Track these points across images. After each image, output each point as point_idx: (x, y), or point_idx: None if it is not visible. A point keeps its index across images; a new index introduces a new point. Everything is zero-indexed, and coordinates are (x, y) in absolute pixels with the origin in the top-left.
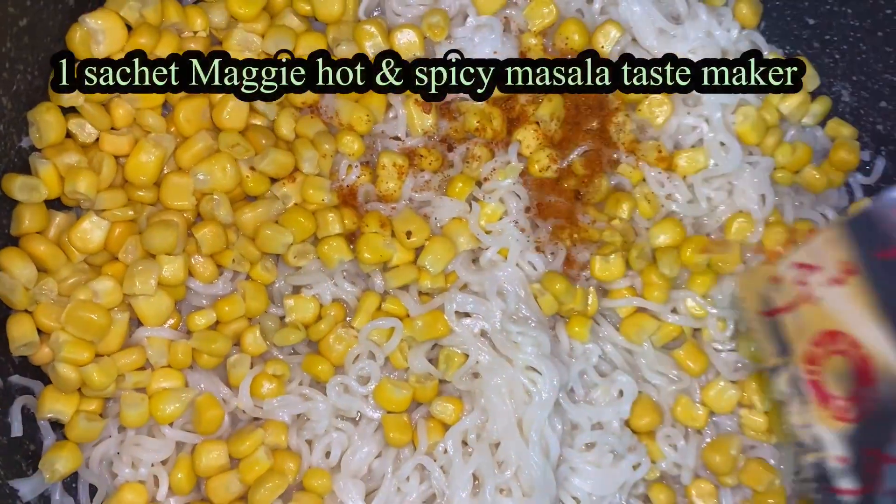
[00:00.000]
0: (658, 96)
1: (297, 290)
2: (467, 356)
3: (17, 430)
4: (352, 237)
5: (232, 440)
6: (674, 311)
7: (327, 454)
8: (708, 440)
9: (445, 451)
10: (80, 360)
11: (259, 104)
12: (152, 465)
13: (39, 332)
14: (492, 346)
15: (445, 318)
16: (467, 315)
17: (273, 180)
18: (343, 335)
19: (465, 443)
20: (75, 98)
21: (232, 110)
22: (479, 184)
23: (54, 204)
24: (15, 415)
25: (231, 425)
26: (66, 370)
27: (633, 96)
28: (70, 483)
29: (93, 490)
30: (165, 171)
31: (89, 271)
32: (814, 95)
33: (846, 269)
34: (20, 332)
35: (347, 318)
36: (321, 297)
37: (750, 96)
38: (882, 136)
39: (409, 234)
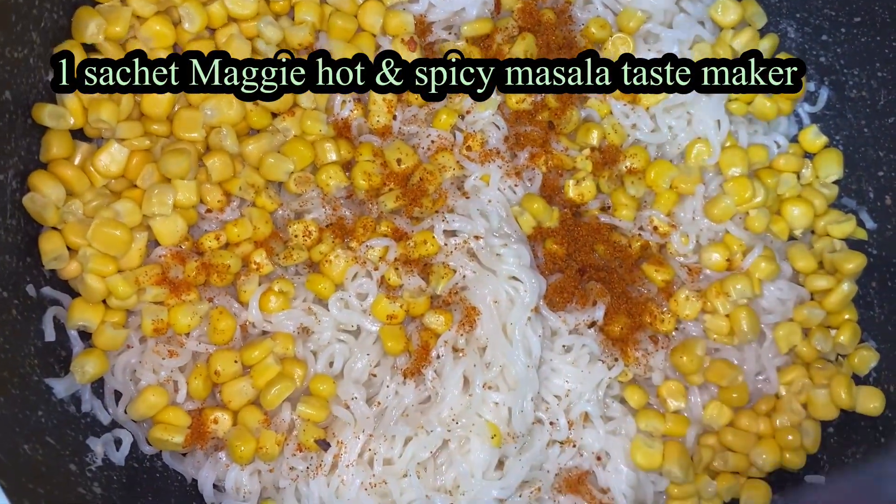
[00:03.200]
0: (621, 35)
1: (299, 216)
2: (455, 271)
3: (49, 334)
4: (347, 166)
5: (243, 350)
6: (641, 228)
7: (331, 364)
8: (675, 345)
9: (438, 356)
10: (105, 272)
11: (260, 45)
12: (171, 371)
13: (68, 249)
14: (477, 260)
15: (434, 237)
16: (453, 234)
17: (274, 115)
18: (342, 255)
19: (455, 349)
20: (95, 36)
21: (236, 50)
22: (461, 117)
23: (78, 136)
24: (48, 322)
25: (242, 339)
26: (93, 280)
27: (599, 37)
28: (97, 389)
29: (117, 396)
30: (177, 108)
31: (110, 195)
32: (762, 33)
33: None
34: (51, 246)
35: (346, 241)
36: (320, 221)
37: (704, 33)
38: (825, 67)
39: (399, 161)
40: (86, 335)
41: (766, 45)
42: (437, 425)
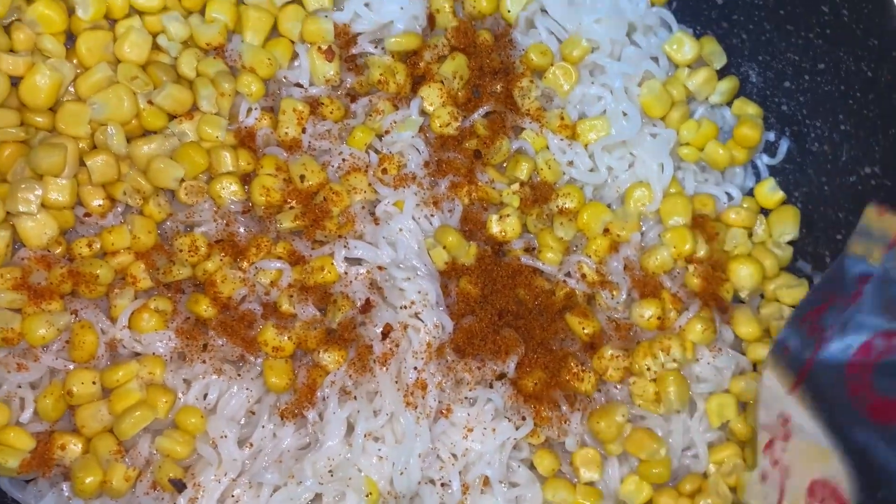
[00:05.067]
0: (564, 64)
1: (189, 229)
2: (354, 303)
3: None
4: (247, 179)
5: (106, 371)
6: (567, 274)
7: (205, 396)
8: (595, 408)
9: (324, 399)
10: None
11: (162, 40)
12: (19, 386)
13: None
14: (380, 293)
15: (333, 265)
16: (357, 262)
17: (171, 117)
18: (230, 276)
19: (344, 391)
20: None
21: (134, 43)
22: (379, 137)
23: None
24: None
25: (108, 358)
26: None
27: (539, 64)
28: None
29: None
30: (64, 100)
31: None
32: (721, 75)
33: (782, 420)
34: None
35: (237, 260)
36: (210, 236)
37: (655, 69)
38: (787, 116)
39: (302, 177)
40: None
41: (724, 88)
42: (309, 475)
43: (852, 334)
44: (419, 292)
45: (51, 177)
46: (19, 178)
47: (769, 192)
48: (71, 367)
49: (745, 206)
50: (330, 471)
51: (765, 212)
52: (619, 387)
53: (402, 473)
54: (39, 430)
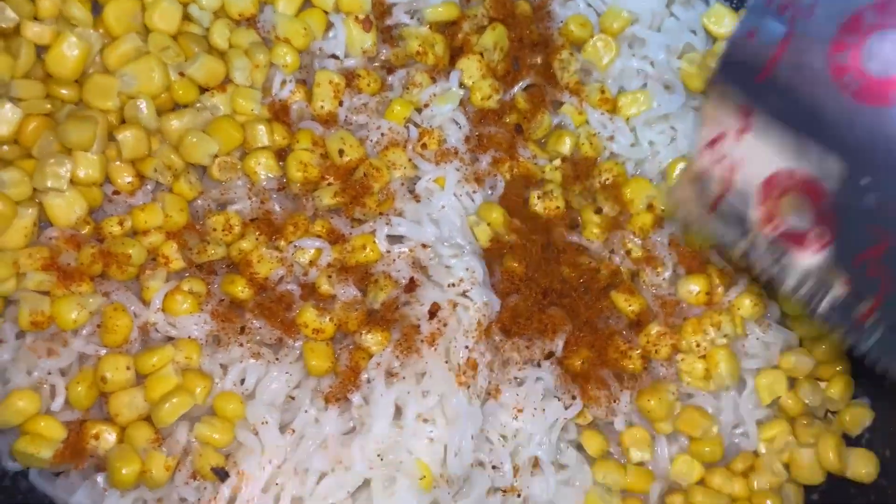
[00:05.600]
0: (604, 36)
1: (221, 206)
2: (397, 283)
3: None
4: (282, 154)
5: (140, 355)
6: (612, 251)
7: (242, 381)
8: (643, 387)
9: (368, 380)
10: None
11: (194, 10)
12: (49, 373)
13: None
14: (423, 272)
15: (375, 243)
16: (398, 240)
17: (203, 90)
18: (265, 255)
19: (389, 373)
20: None
21: (164, 12)
22: (418, 110)
23: None
24: None
25: (140, 342)
26: None
27: (578, 36)
28: None
29: None
30: (91, 71)
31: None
32: None
33: (743, 113)
34: None
35: (272, 239)
36: (244, 215)
37: (696, 41)
38: None
39: (341, 152)
40: None
41: None
42: (358, 460)
43: (838, 6)
44: (467, 269)
45: (80, 151)
46: (46, 152)
47: None
48: (103, 352)
49: None
50: (379, 455)
51: None
52: (665, 365)
53: (455, 455)
54: (70, 420)
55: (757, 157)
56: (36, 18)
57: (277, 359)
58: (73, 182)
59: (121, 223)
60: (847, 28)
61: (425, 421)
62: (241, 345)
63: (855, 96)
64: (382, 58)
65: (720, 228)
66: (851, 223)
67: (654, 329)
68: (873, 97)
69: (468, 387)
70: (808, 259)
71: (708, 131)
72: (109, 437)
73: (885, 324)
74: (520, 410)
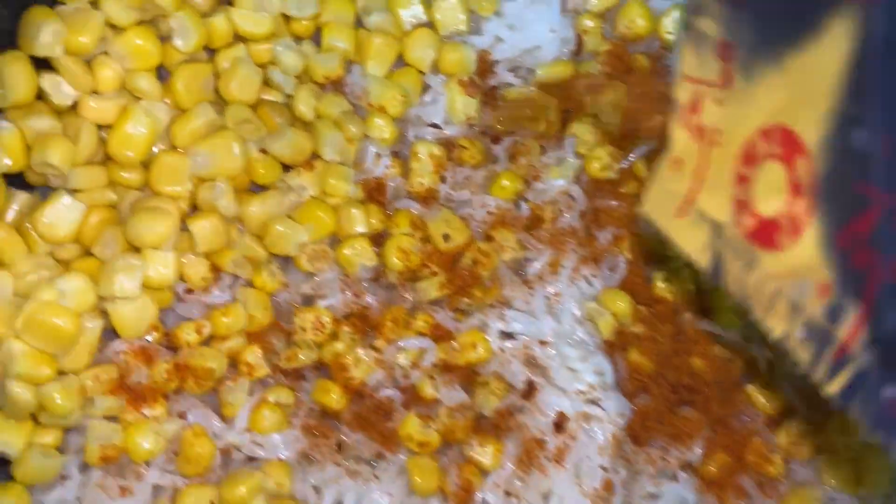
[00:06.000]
0: None
1: (308, 301)
2: (511, 386)
3: None
4: (377, 239)
5: (224, 484)
6: (747, 339)
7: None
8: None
9: (484, 503)
10: (38, 378)
11: (276, 75)
12: None
13: None
14: (541, 373)
15: (486, 339)
16: (511, 337)
17: (286, 168)
18: (363, 357)
19: (508, 493)
20: (51, 47)
21: (243, 79)
22: (526, 182)
23: (15, 182)
24: None
25: (222, 467)
26: (20, 390)
27: None
28: None
29: None
30: (157, 150)
31: (55, 267)
32: None
33: (721, 52)
34: None
35: (368, 338)
36: (337, 311)
37: None
38: None
39: (446, 237)
40: (2, 462)
41: None
42: None
43: None
44: (597, 373)
45: (152, 249)
46: (111, 252)
47: None
48: (181, 482)
49: None
50: None
51: None
52: (805, 465)
53: None
54: None
55: (740, 113)
56: (95, 92)
57: (376, 475)
58: (143, 285)
59: (198, 330)
60: None
61: None
62: (338, 463)
63: None
64: (484, 122)
65: (687, 235)
66: (832, 184)
67: (796, 426)
68: None
69: None
70: (781, 261)
71: (685, 92)
72: None
73: (870, 353)
74: None
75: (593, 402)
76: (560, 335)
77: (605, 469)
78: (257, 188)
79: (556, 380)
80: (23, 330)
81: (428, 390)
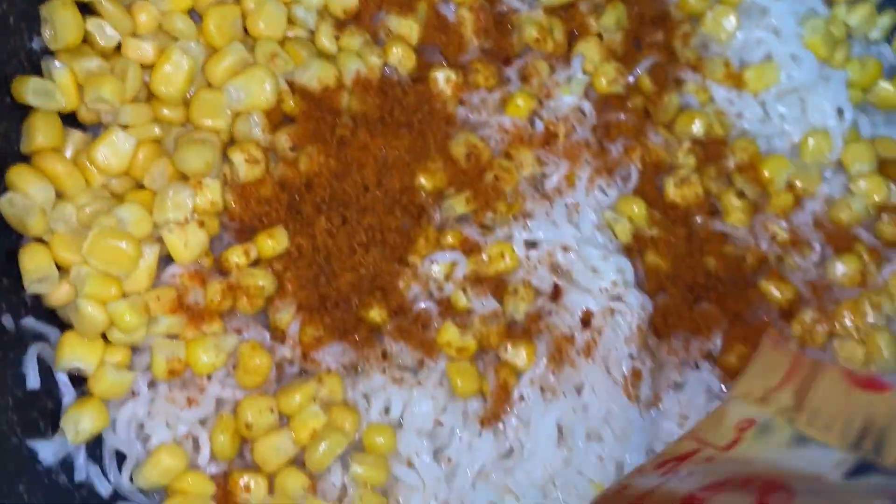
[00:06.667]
0: (723, 7)
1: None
2: (538, 291)
3: (33, 381)
4: None
5: (280, 394)
6: (756, 237)
7: (387, 410)
8: None
9: (522, 399)
10: (106, 297)
11: (298, 12)
12: (191, 424)
13: (57, 268)
14: (565, 277)
15: (513, 249)
16: (534, 246)
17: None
18: (400, 273)
19: (544, 388)
20: None
21: (269, 16)
22: (539, 102)
23: (70, 122)
24: (30, 363)
25: (277, 380)
26: (91, 308)
27: (696, 7)
28: (95, 451)
29: (120, 458)
30: (194, 89)
31: (111, 199)
32: (880, 9)
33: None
34: (35, 263)
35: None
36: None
37: (817, 4)
38: None
39: (468, 156)
40: (80, 380)
41: (885, 23)
42: (529, 488)
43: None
44: (618, 270)
45: (200, 178)
46: (160, 182)
47: None
48: (240, 395)
49: None
50: (551, 480)
51: None
52: (822, 352)
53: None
54: (215, 473)
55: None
56: (134, 35)
57: (420, 382)
58: (193, 211)
59: (246, 252)
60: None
61: (591, 439)
62: (383, 371)
63: None
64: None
65: None
66: None
67: (808, 315)
68: None
69: (638, 399)
70: None
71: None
72: (259, 487)
73: None
74: (685, 417)
75: (616, 297)
76: (581, 241)
77: (632, 358)
78: (288, 119)
79: (580, 281)
80: (88, 254)
81: (462, 301)
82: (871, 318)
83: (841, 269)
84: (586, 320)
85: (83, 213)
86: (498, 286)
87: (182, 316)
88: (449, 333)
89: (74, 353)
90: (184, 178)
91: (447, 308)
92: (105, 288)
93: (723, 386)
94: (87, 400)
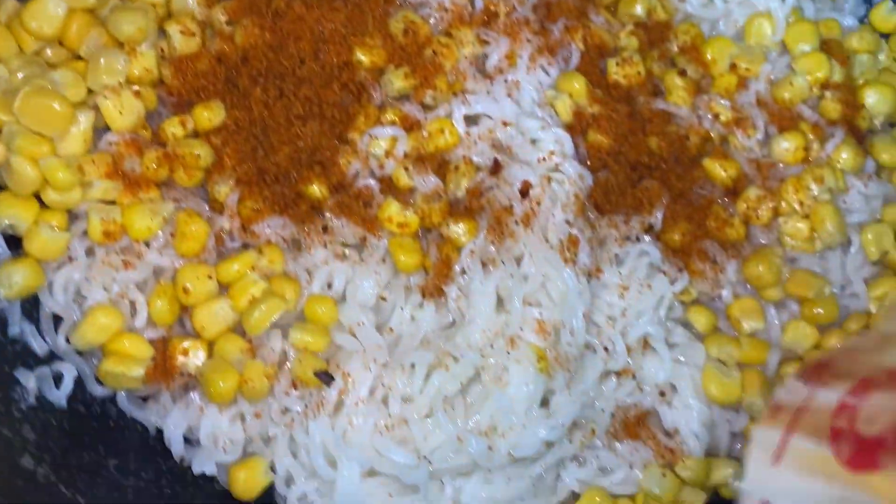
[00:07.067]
0: None
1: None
2: (479, 167)
3: None
4: None
5: (220, 264)
6: (699, 116)
7: (329, 286)
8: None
9: (463, 271)
10: (38, 154)
11: None
12: (127, 287)
13: None
14: (506, 152)
15: (453, 125)
16: (475, 122)
17: None
18: (340, 149)
19: (484, 261)
20: None
21: None
22: None
23: None
24: None
25: (218, 256)
26: (22, 165)
27: None
28: (30, 311)
29: (57, 323)
30: None
31: (46, 66)
32: None
33: None
34: None
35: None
36: None
37: None
38: None
39: (406, 31)
40: (14, 241)
41: None
42: (467, 350)
43: None
44: (556, 141)
45: (134, 46)
46: (96, 50)
47: (886, 14)
48: (179, 263)
49: (865, 31)
50: (489, 343)
51: (884, 37)
52: (765, 231)
53: (570, 332)
54: (153, 338)
55: None
56: None
57: (363, 259)
58: (128, 80)
59: (183, 123)
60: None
61: (531, 305)
62: (325, 246)
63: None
64: None
65: None
66: None
67: (753, 193)
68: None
69: (574, 263)
70: None
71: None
72: (198, 352)
73: None
74: (625, 288)
75: (555, 168)
76: (521, 115)
77: (568, 223)
78: None
79: (520, 155)
80: (19, 112)
81: (404, 179)
82: (814, 192)
83: (784, 145)
84: (525, 191)
85: (15, 77)
86: (441, 166)
87: (118, 181)
88: (391, 209)
89: (7, 209)
90: (119, 46)
91: (389, 186)
92: (36, 145)
93: (664, 259)
94: (22, 259)
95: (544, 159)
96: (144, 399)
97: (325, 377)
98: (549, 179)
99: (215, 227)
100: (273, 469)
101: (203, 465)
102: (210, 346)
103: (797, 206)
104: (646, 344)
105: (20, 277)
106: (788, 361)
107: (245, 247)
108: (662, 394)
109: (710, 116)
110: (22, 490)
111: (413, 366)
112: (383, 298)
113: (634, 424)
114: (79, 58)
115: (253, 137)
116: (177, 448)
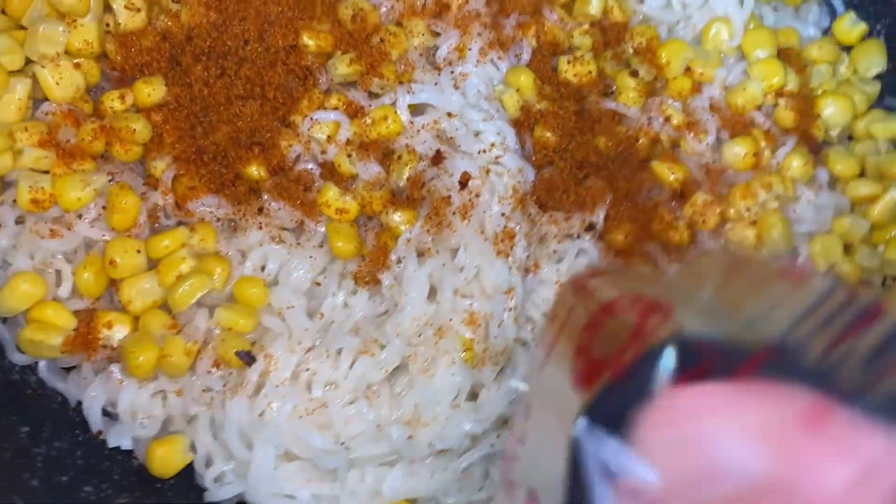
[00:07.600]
0: None
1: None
2: (422, 156)
3: None
4: None
5: (150, 239)
6: (650, 118)
7: (263, 268)
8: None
9: (399, 260)
10: None
11: None
12: (53, 256)
13: None
14: (450, 143)
15: (396, 112)
16: (420, 112)
17: None
18: (281, 131)
19: (420, 251)
20: None
21: None
22: None
23: None
24: None
25: (151, 231)
26: None
27: None
28: None
29: None
30: None
31: None
32: None
33: None
34: None
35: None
36: None
37: None
38: None
39: (354, 17)
40: None
41: None
42: (394, 338)
43: None
44: (498, 134)
45: (75, 17)
46: (37, 20)
47: (849, 26)
48: (109, 236)
49: (826, 42)
50: (417, 332)
51: (846, 50)
52: (713, 236)
53: (499, 326)
54: (79, 309)
55: None
56: None
57: (299, 243)
58: (68, 52)
59: (122, 97)
60: None
61: (463, 296)
62: (260, 227)
63: None
64: None
65: None
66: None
67: (700, 198)
68: None
69: (507, 256)
70: None
71: None
72: (122, 325)
73: None
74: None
75: (495, 160)
76: (467, 105)
77: (504, 216)
78: None
79: (463, 146)
80: None
81: (345, 165)
82: (762, 198)
83: (736, 150)
84: (464, 182)
85: None
86: (386, 156)
87: (51, 151)
88: (329, 194)
89: None
90: (62, 18)
91: (331, 172)
92: None
93: (604, 258)
94: None
95: (485, 151)
96: (68, 371)
97: (247, 357)
98: (488, 170)
99: (149, 201)
100: (194, 449)
101: (119, 438)
102: (136, 322)
103: (745, 213)
104: None
105: None
106: None
107: (180, 225)
108: None
109: (661, 119)
110: None
111: (339, 351)
112: (318, 283)
113: None
114: (22, 28)
115: (192, 115)
116: (94, 420)
